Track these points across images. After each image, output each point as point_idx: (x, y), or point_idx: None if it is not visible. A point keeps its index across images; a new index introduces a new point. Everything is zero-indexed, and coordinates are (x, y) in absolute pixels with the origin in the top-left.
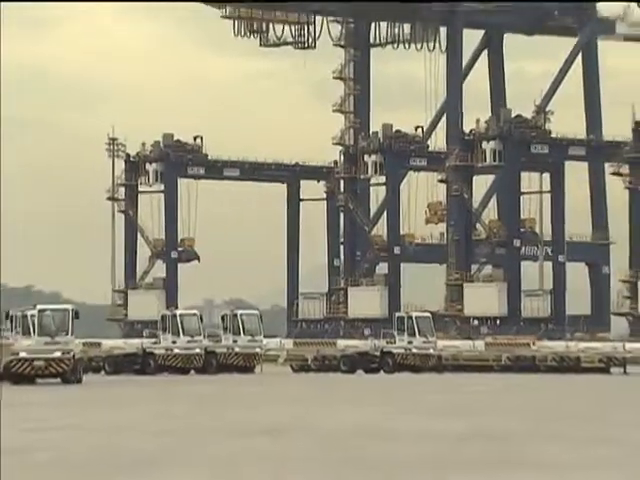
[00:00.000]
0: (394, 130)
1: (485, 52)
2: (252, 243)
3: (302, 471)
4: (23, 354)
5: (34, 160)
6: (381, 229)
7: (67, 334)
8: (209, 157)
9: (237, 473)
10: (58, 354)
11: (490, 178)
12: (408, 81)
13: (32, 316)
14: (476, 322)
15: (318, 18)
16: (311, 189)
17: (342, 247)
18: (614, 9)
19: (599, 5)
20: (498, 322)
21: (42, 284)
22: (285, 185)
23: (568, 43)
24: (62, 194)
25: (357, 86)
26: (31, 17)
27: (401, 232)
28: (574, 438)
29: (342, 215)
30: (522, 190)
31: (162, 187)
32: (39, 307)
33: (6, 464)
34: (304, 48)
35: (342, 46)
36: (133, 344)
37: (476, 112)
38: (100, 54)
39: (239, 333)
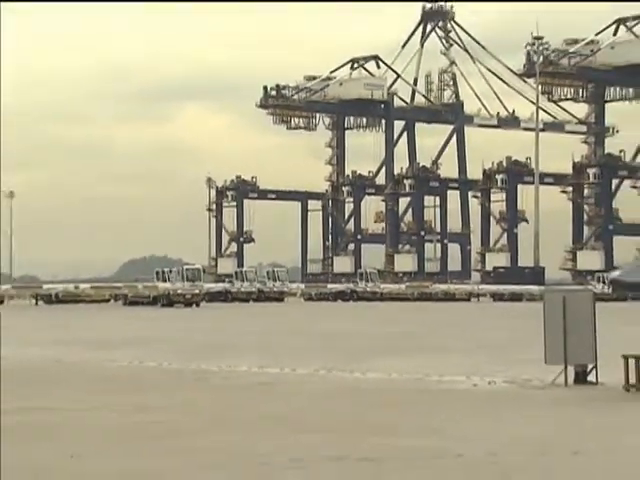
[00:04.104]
0: (358, 173)
1: (405, 133)
2: (283, 234)
3: (306, 355)
4: (179, 291)
5: (170, 192)
6: (351, 226)
7: (199, 281)
8: (260, 187)
9: (275, 356)
10: (197, 291)
11: (408, 199)
12: (365, 147)
13: (183, 271)
14: (401, 274)
15: (317, 114)
16: (313, 205)
17: (330, 235)
18: (474, 109)
19: (465, 107)
20: (412, 274)
21: (172, 254)
22: (300, 203)
23: (448, 128)
24: (183, 208)
25: (338, 150)
26: (159, 112)
27: (361, 227)
28: (450, 335)
29: (330, 219)
30: (425, 205)
31: (235, 204)
32: (185, 267)
33: (140, 351)
34: (310, 130)
35: (330, 129)
36: (220, 286)
37: (400, 163)
38: (198, 133)
39: (275, 280)
